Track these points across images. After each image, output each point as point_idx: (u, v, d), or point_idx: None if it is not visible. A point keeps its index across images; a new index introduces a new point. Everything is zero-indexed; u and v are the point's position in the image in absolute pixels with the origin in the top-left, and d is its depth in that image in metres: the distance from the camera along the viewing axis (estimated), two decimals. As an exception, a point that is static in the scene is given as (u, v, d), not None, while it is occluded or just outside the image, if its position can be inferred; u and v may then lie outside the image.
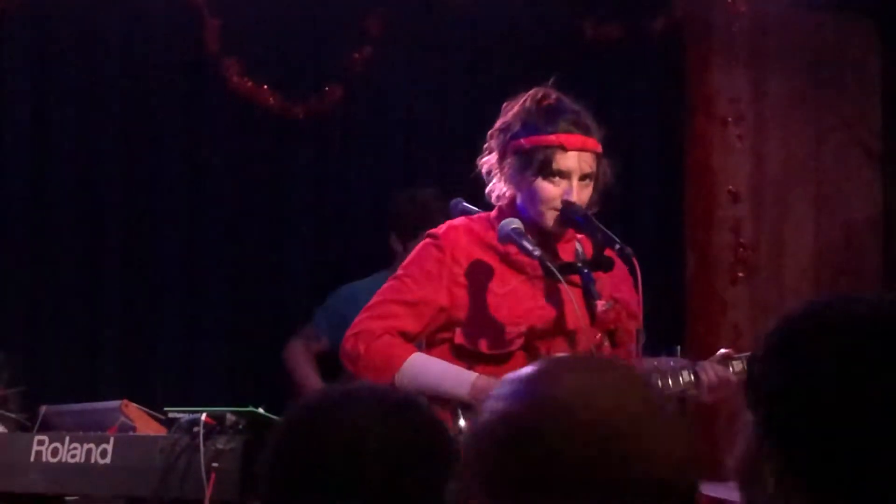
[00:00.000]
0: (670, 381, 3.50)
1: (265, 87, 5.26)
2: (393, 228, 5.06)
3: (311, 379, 5.03)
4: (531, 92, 3.47)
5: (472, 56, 5.52)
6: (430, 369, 3.42)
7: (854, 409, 1.45)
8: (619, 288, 3.46)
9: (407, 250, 5.02)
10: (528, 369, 1.52)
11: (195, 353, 5.21)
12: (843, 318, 1.56)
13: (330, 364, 5.05)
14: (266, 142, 5.36)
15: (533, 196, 3.42)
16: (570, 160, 3.39)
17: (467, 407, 3.38)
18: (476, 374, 3.39)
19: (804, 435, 1.46)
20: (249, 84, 5.23)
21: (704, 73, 5.87)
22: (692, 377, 3.51)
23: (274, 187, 5.37)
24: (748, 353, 3.58)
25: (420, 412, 1.80)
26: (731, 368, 3.53)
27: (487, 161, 3.50)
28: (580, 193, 3.41)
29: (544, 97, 3.44)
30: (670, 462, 1.44)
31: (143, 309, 5.18)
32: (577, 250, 3.50)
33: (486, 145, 3.51)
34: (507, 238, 3.42)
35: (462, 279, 3.46)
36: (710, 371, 3.50)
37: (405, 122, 5.50)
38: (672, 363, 3.52)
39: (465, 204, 3.78)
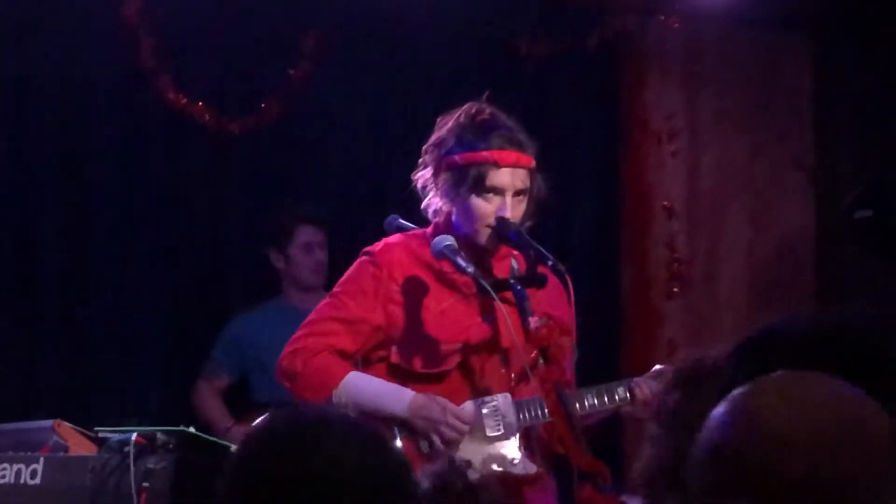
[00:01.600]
0: (605, 398, 3.52)
1: (200, 103, 5.24)
2: (271, 245, 5.09)
3: (220, 422, 4.98)
4: (465, 107, 3.47)
5: (408, 73, 5.53)
6: (368, 387, 3.43)
7: None
8: (553, 304, 3.47)
9: (288, 259, 5.09)
10: (740, 389, 1.54)
11: (129, 372, 5.18)
12: (787, 336, 1.61)
13: (234, 398, 5.06)
14: (202, 159, 5.34)
15: (467, 212, 3.42)
16: (503, 176, 3.40)
17: (404, 425, 3.38)
18: (413, 392, 3.40)
19: None
20: (185, 101, 5.21)
21: (639, 90, 5.91)
22: (627, 394, 3.53)
23: (210, 204, 5.35)
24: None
25: (389, 442, 1.79)
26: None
27: (422, 176, 3.51)
28: (514, 209, 3.42)
29: (478, 112, 3.45)
30: (870, 475, 1.45)
31: (78, 328, 5.13)
32: (512, 266, 3.51)
33: (420, 160, 3.52)
34: (440, 255, 3.43)
35: (398, 296, 3.46)
36: (644, 387, 3.52)
37: (342, 139, 5.49)
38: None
39: (401, 221, 3.79)
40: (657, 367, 3.63)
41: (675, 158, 5.98)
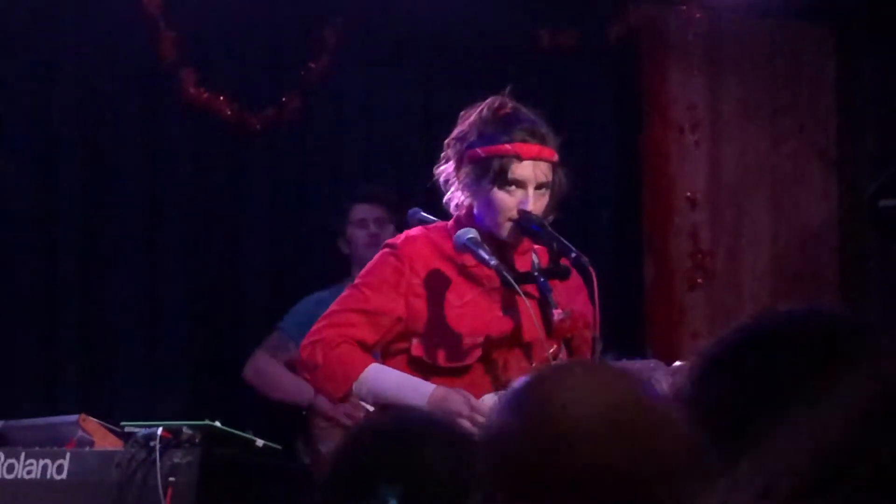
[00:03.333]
0: None
1: (221, 97, 5.25)
2: (336, 233, 5.11)
3: (297, 393, 4.92)
4: (488, 101, 3.47)
5: (429, 65, 5.53)
6: (388, 380, 3.42)
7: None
8: (575, 297, 3.46)
9: (348, 240, 5.11)
10: (523, 379, 1.54)
11: (154, 365, 5.18)
12: (769, 331, 1.60)
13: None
14: (223, 152, 5.35)
15: (489, 205, 3.42)
16: (525, 169, 3.39)
17: None
18: (434, 385, 3.39)
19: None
20: (206, 95, 5.22)
21: (660, 80, 5.90)
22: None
23: (231, 198, 5.36)
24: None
25: (474, 449, 1.84)
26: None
27: (444, 170, 3.51)
28: (536, 203, 3.41)
29: (501, 106, 3.45)
30: (654, 465, 1.45)
31: (99, 321, 5.15)
32: (533, 261, 3.50)
33: (443, 154, 3.52)
34: (463, 248, 3.42)
35: (420, 289, 3.46)
36: (662, 383, 3.49)
37: (363, 132, 5.50)
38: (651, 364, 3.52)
39: (423, 213, 3.78)
40: (677, 363, 3.61)
41: (697, 149, 5.96)
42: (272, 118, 5.32)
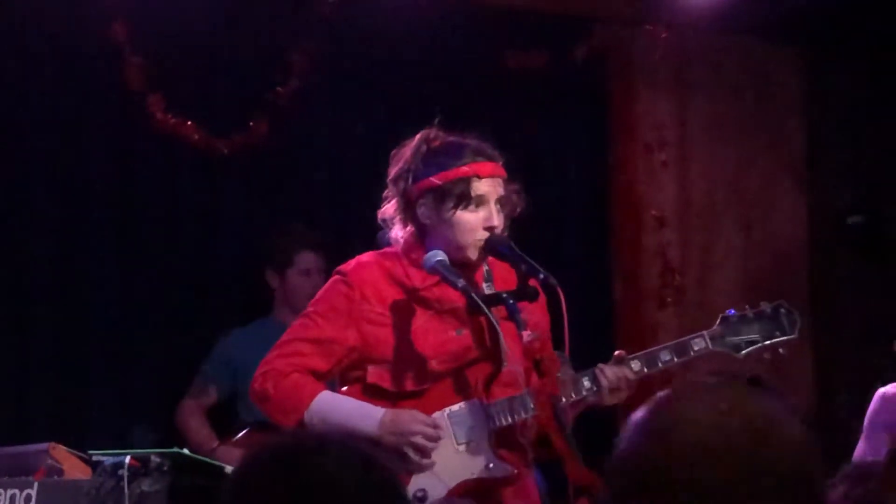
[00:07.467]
0: (573, 392, 3.50)
1: (189, 122, 5.24)
2: (267, 264, 5.13)
3: (206, 443, 4.96)
4: (420, 135, 3.51)
5: (397, 88, 5.53)
6: (339, 407, 3.44)
7: None
8: (533, 310, 3.47)
9: (285, 281, 5.12)
10: (646, 405, 1.60)
11: (123, 392, 5.17)
12: None
13: (218, 417, 5.07)
14: (191, 178, 5.34)
15: (454, 229, 3.43)
16: (486, 186, 3.44)
17: (376, 443, 3.37)
18: (384, 409, 3.40)
19: None
20: (173, 120, 5.21)
21: (628, 100, 5.92)
22: (592, 384, 3.51)
23: (201, 223, 5.35)
24: (645, 352, 3.61)
25: (381, 461, 1.80)
26: (630, 367, 3.55)
27: (386, 210, 3.52)
28: (498, 218, 3.44)
29: (435, 137, 3.49)
30: (788, 474, 1.51)
31: (71, 348, 5.12)
32: (485, 270, 3.53)
33: (384, 194, 3.53)
34: (432, 270, 3.44)
35: (371, 316, 3.47)
36: (608, 372, 3.51)
37: (330, 156, 5.50)
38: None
39: (393, 237, 3.78)
40: (616, 353, 3.61)
41: (665, 168, 5.98)
42: (240, 143, 5.31)
